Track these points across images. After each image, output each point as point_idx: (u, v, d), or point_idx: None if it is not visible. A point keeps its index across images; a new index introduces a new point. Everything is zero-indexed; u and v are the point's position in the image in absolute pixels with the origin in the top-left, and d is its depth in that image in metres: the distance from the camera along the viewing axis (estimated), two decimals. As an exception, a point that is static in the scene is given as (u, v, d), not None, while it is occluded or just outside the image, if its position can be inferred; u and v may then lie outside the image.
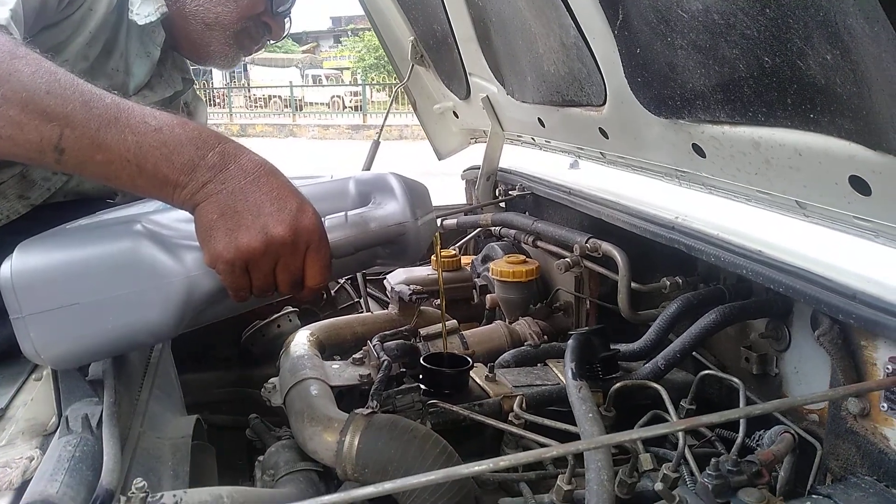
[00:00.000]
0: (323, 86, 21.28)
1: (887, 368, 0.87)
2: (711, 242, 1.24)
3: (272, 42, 1.45)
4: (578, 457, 1.07)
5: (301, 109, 18.37)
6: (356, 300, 1.93)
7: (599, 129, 1.49)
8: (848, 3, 0.73)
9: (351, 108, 19.94)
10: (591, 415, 1.12)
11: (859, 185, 0.93)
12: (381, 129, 2.21)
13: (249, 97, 21.51)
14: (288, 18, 1.41)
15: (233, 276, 0.84)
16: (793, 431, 1.06)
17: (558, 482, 1.07)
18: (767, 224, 1.20)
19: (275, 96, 19.99)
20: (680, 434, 1.06)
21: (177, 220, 0.91)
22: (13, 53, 0.79)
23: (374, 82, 21.00)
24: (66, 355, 0.89)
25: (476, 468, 0.78)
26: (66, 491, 0.78)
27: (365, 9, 2.17)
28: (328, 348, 1.51)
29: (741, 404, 1.13)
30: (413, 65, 2.17)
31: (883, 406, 0.94)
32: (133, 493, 0.79)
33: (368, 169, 2.25)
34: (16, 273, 0.85)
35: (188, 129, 0.82)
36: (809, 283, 1.03)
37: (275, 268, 0.85)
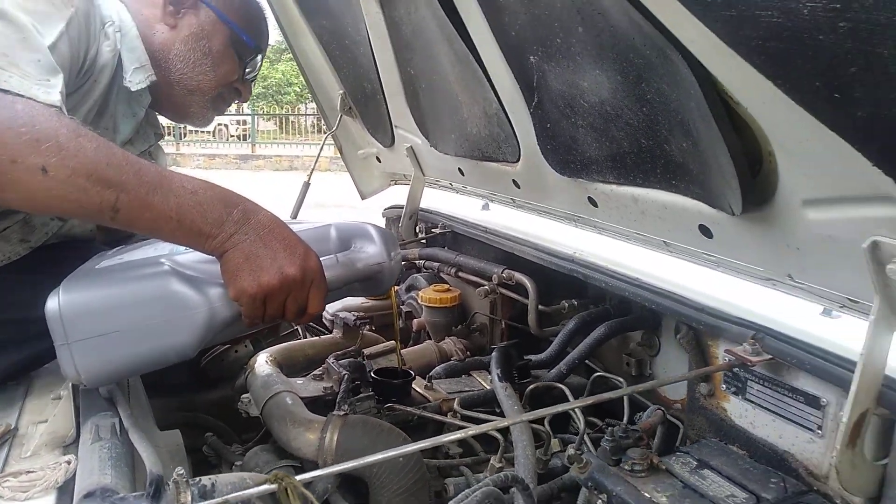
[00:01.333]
0: (207, 113, 20.55)
1: (725, 358, 1.23)
2: (602, 272, 1.57)
3: (238, 103, 1.66)
4: (505, 443, 1.36)
5: (183, 137, 17.75)
6: (295, 328, 2.13)
7: (513, 180, 1.81)
8: (694, 111, 1.08)
9: (235, 137, 19.53)
10: (515, 407, 1.43)
11: (705, 231, 1.28)
12: (311, 172, 2.42)
13: (126, 123, 20.45)
14: (253, 82, 1.63)
15: (253, 307, 1.04)
16: (663, 409, 1.42)
17: (492, 461, 1.36)
18: (642, 258, 1.55)
19: (154, 123, 19.14)
20: (579, 412, 1.40)
21: (194, 260, 1.09)
22: (77, 132, 0.95)
23: (263, 112, 20.70)
24: (104, 375, 1.04)
25: (445, 439, 1.06)
26: (117, 482, 0.89)
27: (297, 62, 2.39)
28: (283, 368, 1.72)
29: (624, 396, 1.48)
30: (341, 115, 2.41)
31: (723, 387, 1.31)
32: (176, 478, 0.96)
33: (298, 209, 2.45)
34: (63, 306, 1.00)
35: (216, 192, 1.03)
36: (673, 301, 1.39)
37: (285, 300, 1.06)
